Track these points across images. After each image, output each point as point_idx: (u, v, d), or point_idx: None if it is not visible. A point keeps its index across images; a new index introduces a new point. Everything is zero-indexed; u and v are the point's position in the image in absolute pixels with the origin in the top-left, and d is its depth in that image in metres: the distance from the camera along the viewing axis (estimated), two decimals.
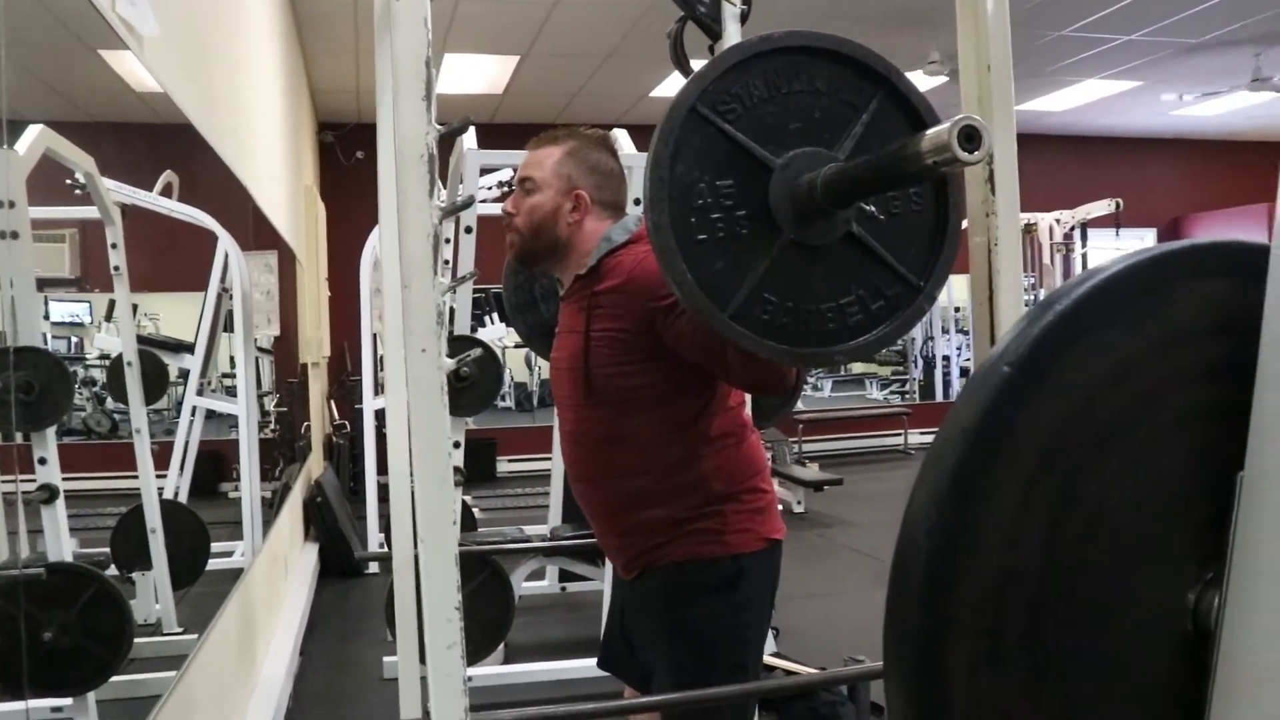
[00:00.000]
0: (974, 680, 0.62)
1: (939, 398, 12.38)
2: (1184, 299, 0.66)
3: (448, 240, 4.47)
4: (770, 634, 4.08)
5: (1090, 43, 8.15)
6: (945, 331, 12.63)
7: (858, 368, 15.89)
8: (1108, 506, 0.65)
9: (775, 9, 7.07)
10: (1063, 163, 11.39)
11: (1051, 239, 9.88)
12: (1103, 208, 9.49)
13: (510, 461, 9.92)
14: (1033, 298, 10.00)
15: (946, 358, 12.55)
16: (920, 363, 12.86)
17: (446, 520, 1.28)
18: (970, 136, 1.16)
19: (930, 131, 1.19)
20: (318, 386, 7.94)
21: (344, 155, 9.81)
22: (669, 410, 2.03)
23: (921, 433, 11.13)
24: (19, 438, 2.30)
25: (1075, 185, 10.71)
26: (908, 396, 13.13)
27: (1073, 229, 9.91)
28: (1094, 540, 0.65)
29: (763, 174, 1.47)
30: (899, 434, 11.13)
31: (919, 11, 7.18)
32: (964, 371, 12.56)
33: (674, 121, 1.46)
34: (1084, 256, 9.91)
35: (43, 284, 2.73)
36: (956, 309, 12.87)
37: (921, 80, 8.74)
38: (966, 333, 12.75)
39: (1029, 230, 9.81)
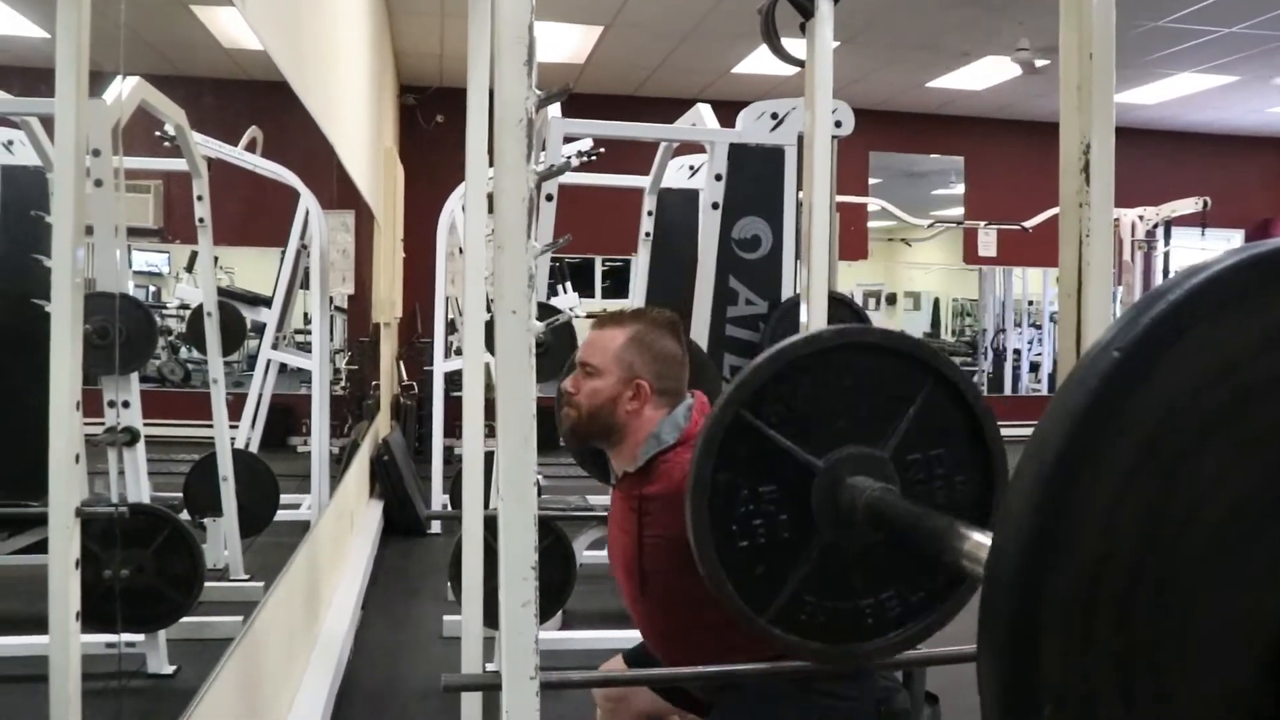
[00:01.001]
0: (1066, 663, 0.62)
1: (1008, 391, 12.22)
2: None
3: (552, 197, 4.49)
4: None
5: (1188, 34, 7.94)
6: (1018, 324, 12.45)
7: None
8: (1207, 501, 0.65)
9: None
10: (1149, 158, 11.13)
11: (1134, 235, 9.68)
12: (1189, 206, 9.27)
13: None
14: (1111, 294, 9.81)
15: (1017, 351, 12.38)
16: (990, 354, 12.69)
17: (528, 480, 1.30)
18: None
19: (971, 540, 1.14)
20: (388, 347, 8.04)
21: (424, 119, 9.88)
22: None
23: None
24: (104, 381, 2.37)
25: (1161, 181, 10.46)
26: None
27: (1156, 226, 9.69)
28: (1190, 534, 0.65)
29: (806, 476, 1.46)
30: None
31: None
32: (1034, 366, 12.40)
33: (717, 429, 1.46)
34: (1166, 255, 9.69)
35: (128, 233, 2.80)
36: (1030, 302, 12.69)
37: (1009, 67, 8.59)
38: (1038, 326, 12.57)
39: None
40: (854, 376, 1.50)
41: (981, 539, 1.13)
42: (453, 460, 5.97)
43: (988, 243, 11.17)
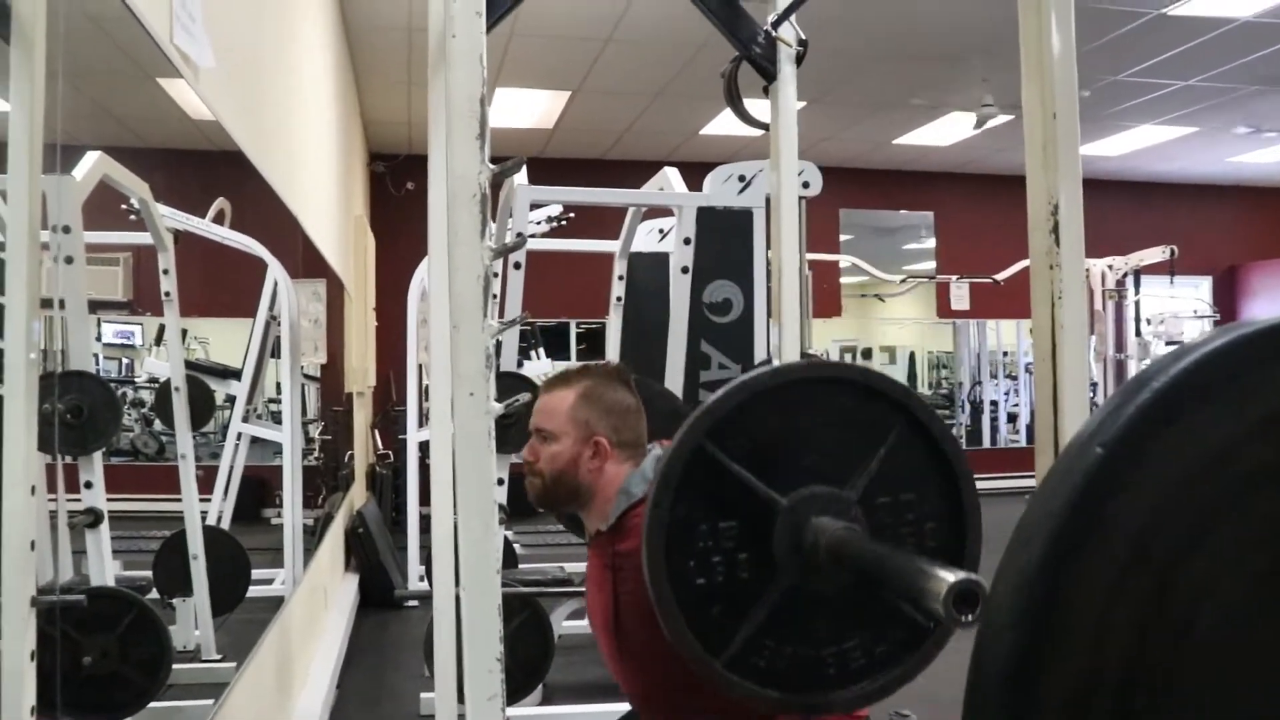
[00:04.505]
0: None
1: (986, 443, 12.23)
2: None
3: (496, 275, 4.46)
4: None
5: (1148, 88, 8.07)
6: (993, 376, 12.50)
7: None
8: (1204, 602, 0.60)
9: (829, 49, 7.11)
10: (1116, 208, 11.26)
11: (1104, 285, 9.77)
12: (1156, 255, 9.37)
13: None
14: (1088, 355, 9.88)
15: (995, 402, 12.41)
16: (968, 407, 12.72)
17: (490, 568, 1.26)
18: (965, 599, 1.04)
19: (932, 582, 1.07)
20: (362, 416, 7.97)
21: (394, 186, 9.90)
22: None
23: None
24: (67, 459, 2.32)
25: (1129, 231, 10.58)
26: None
27: (1125, 276, 9.78)
28: (1190, 637, 0.60)
29: (768, 513, 1.40)
30: None
31: (973, 50, 7.15)
32: (1011, 417, 12.43)
33: (677, 461, 1.40)
34: (1136, 304, 9.78)
35: (96, 306, 2.75)
36: (1005, 353, 12.75)
37: (973, 120, 8.70)
38: (1014, 377, 12.61)
39: None
40: (823, 412, 1.44)
41: (952, 577, 1.05)
42: (430, 529, 5.87)
43: (960, 296, 11.25)
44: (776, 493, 1.39)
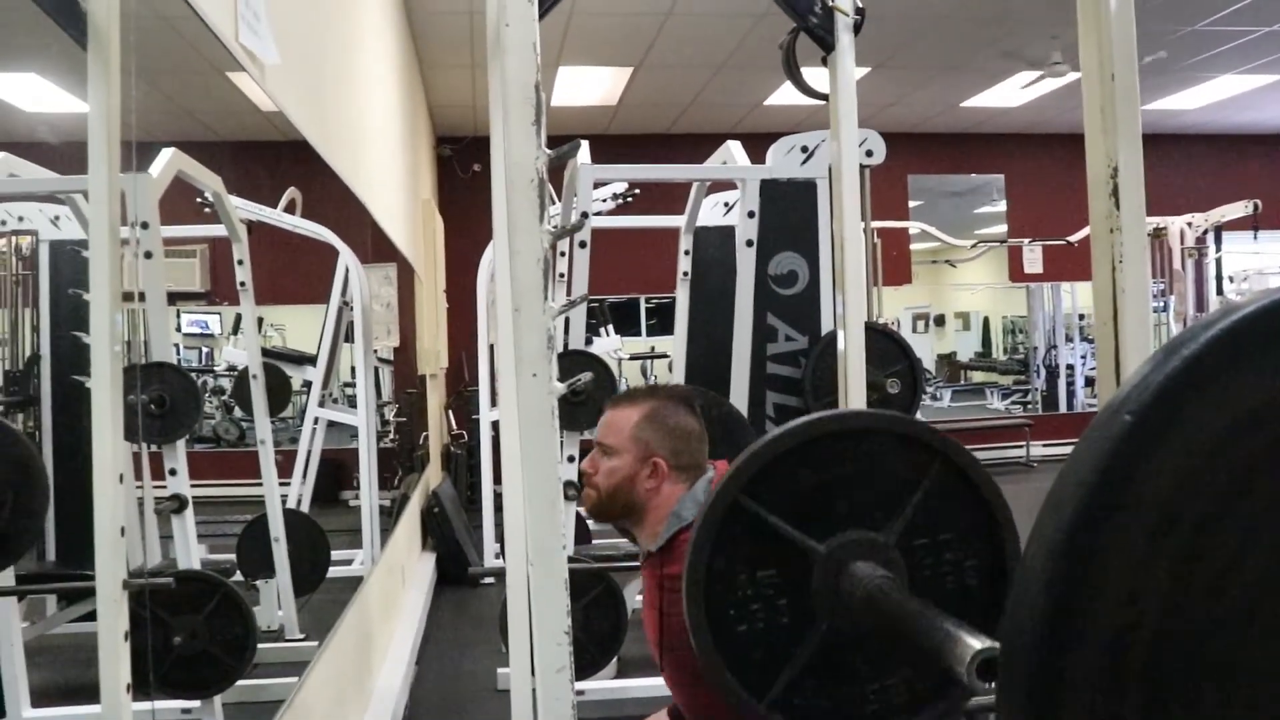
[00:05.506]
0: None
1: (1062, 408, 12.03)
2: None
3: (563, 254, 4.50)
4: None
5: (1226, 36, 7.82)
6: (1069, 340, 12.28)
7: (978, 376, 15.56)
8: (1237, 563, 0.61)
9: (892, 13, 6.99)
10: (1195, 163, 10.93)
11: (1183, 243, 9.50)
12: (1239, 210, 9.09)
13: None
14: (1162, 304, 9.64)
15: (1070, 367, 12.20)
16: (1043, 372, 12.52)
17: (556, 544, 1.28)
18: (989, 669, 1.05)
19: (958, 647, 1.09)
20: (436, 397, 8.07)
21: (461, 168, 9.97)
22: None
23: (1044, 444, 10.80)
24: (153, 448, 2.40)
25: (1209, 186, 10.27)
26: (1030, 407, 12.78)
27: (1206, 233, 9.51)
28: (1221, 599, 0.61)
29: (806, 560, 1.42)
30: (1021, 445, 10.82)
31: (1040, 5, 6.99)
32: (1089, 381, 12.21)
33: (715, 514, 1.43)
34: (1218, 261, 9.50)
35: (174, 298, 2.84)
36: (1081, 316, 12.51)
37: (1043, 83, 8.53)
38: (1091, 341, 12.37)
39: (1158, 235, 9.46)
40: (857, 460, 1.46)
41: (980, 645, 1.07)
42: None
43: (1033, 259, 11.05)
44: (814, 539, 1.42)
